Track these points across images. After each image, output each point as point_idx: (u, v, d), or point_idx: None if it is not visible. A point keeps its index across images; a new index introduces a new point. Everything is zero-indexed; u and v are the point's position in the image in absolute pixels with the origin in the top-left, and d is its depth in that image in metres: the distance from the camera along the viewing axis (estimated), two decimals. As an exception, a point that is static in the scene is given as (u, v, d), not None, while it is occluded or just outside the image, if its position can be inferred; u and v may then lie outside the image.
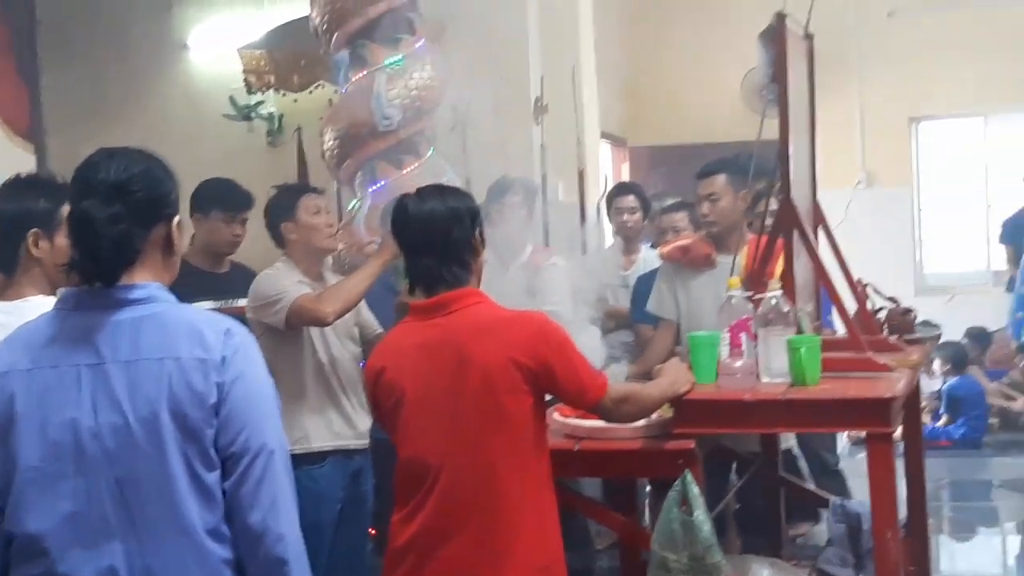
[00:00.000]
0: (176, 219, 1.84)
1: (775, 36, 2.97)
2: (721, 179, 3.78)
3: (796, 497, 3.92)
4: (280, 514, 1.74)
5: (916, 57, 8.40)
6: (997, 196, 8.91)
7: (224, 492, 1.74)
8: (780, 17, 2.97)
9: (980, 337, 7.92)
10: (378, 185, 4.61)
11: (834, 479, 4.52)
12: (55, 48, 6.64)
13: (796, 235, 3.01)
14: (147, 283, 1.79)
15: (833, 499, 3.47)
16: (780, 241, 3.05)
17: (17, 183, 2.23)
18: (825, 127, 3.42)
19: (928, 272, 9.11)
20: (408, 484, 2.39)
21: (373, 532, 3.71)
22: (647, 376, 3.26)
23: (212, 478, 1.73)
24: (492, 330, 2.34)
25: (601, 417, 2.55)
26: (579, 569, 4.46)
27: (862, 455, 5.54)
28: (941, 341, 7.43)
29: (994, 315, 8.18)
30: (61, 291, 1.81)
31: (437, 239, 2.40)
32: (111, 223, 1.72)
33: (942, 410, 7.23)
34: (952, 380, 7.31)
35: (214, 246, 3.87)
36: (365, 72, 4.61)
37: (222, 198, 3.83)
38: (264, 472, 1.74)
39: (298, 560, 1.77)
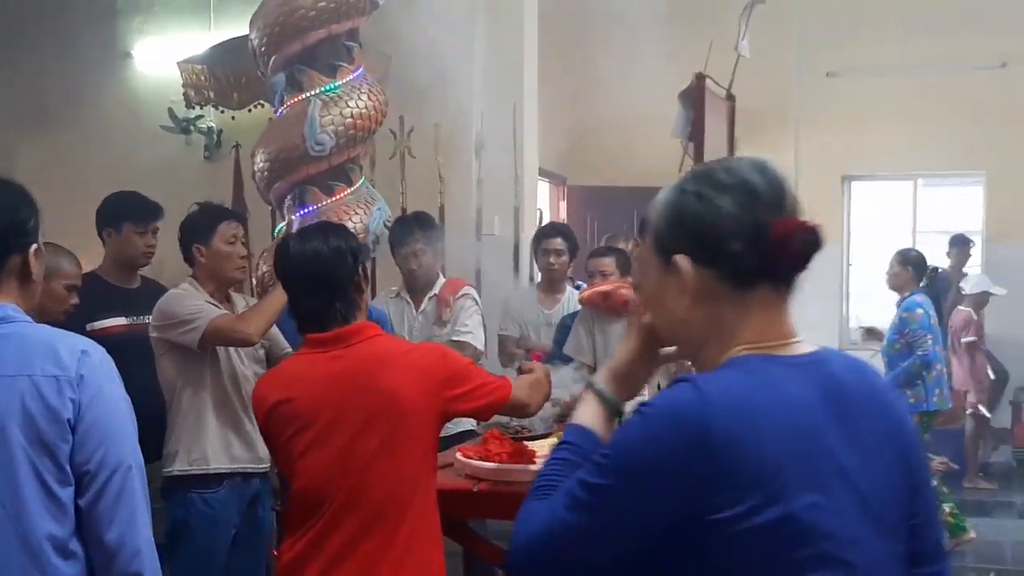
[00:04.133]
0: (33, 247, 1.83)
1: (694, 96, 3.06)
2: None
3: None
4: (137, 529, 1.78)
5: (852, 118, 8.57)
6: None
7: (78, 508, 1.75)
8: (700, 78, 3.06)
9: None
10: (306, 210, 4.60)
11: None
12: (-2, 48, 6.58)
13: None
14: (1, 304, 1.78)
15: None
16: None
17: None
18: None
19: (854, 326, 9.28)
20: (302, 513, 2.39)
21: (276, 554, 3.68)
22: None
23: (66, 494, 1.74)
24: (396, 360, 2.37)
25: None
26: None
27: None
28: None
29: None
30: None
31: (320, 279, 2.42)
32: None
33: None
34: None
35: (129, 259, 3.85)
36: (300, 97, 4.61)
37: (131, 211, 3.81)
38: (122, 488, 1.76)
39: (153, 573, 1.80)
